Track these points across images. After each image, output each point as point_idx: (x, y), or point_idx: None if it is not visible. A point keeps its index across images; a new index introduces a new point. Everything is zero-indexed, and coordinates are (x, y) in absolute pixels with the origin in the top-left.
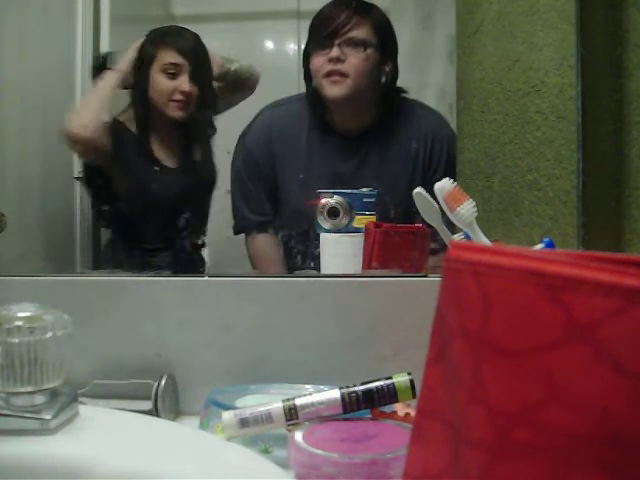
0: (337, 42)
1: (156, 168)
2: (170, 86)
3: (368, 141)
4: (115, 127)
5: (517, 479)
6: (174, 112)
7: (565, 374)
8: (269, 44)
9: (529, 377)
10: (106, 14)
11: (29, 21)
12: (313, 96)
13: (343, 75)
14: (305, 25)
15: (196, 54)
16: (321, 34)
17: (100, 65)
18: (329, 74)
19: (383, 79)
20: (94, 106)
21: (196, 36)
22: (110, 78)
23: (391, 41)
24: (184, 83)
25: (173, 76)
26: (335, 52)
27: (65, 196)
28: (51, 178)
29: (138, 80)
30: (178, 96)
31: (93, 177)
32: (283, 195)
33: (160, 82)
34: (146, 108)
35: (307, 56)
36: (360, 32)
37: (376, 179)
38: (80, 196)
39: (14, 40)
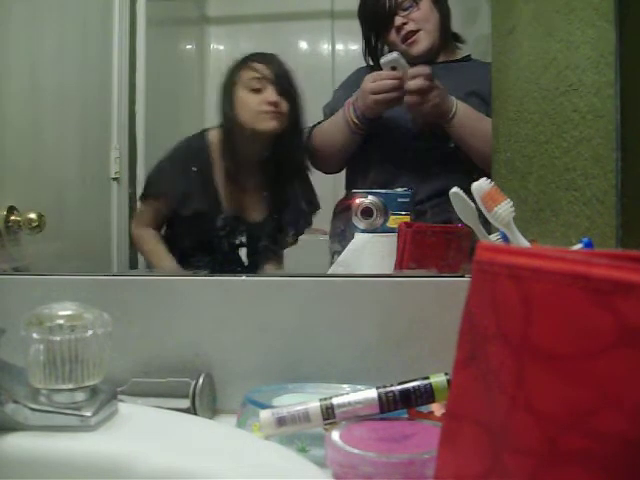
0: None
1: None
2: (257, 99)
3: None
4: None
5: None
6: (267, 123)
7: (617, 379)
8: (303, 44)
9: (578, 383)
10: (142, 16)
11: (67, 26)
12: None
13: (414, 32)
14: (339, 25)
15: (278, 66)
16: (380, 19)
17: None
18: (406, 38)
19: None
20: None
21: (274, 55)
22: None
23: None
24: (270, 94)
25: (258, 91)
26: (399, 21)
27: (102, 196)
28: (88, 179)
29: (224, 110)
30: (266, 107)
31: None
32: None
33: (246, 98)
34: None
35: (372, 38)
36: None
37: None
38: (117, 196)
39: (53, 46)
